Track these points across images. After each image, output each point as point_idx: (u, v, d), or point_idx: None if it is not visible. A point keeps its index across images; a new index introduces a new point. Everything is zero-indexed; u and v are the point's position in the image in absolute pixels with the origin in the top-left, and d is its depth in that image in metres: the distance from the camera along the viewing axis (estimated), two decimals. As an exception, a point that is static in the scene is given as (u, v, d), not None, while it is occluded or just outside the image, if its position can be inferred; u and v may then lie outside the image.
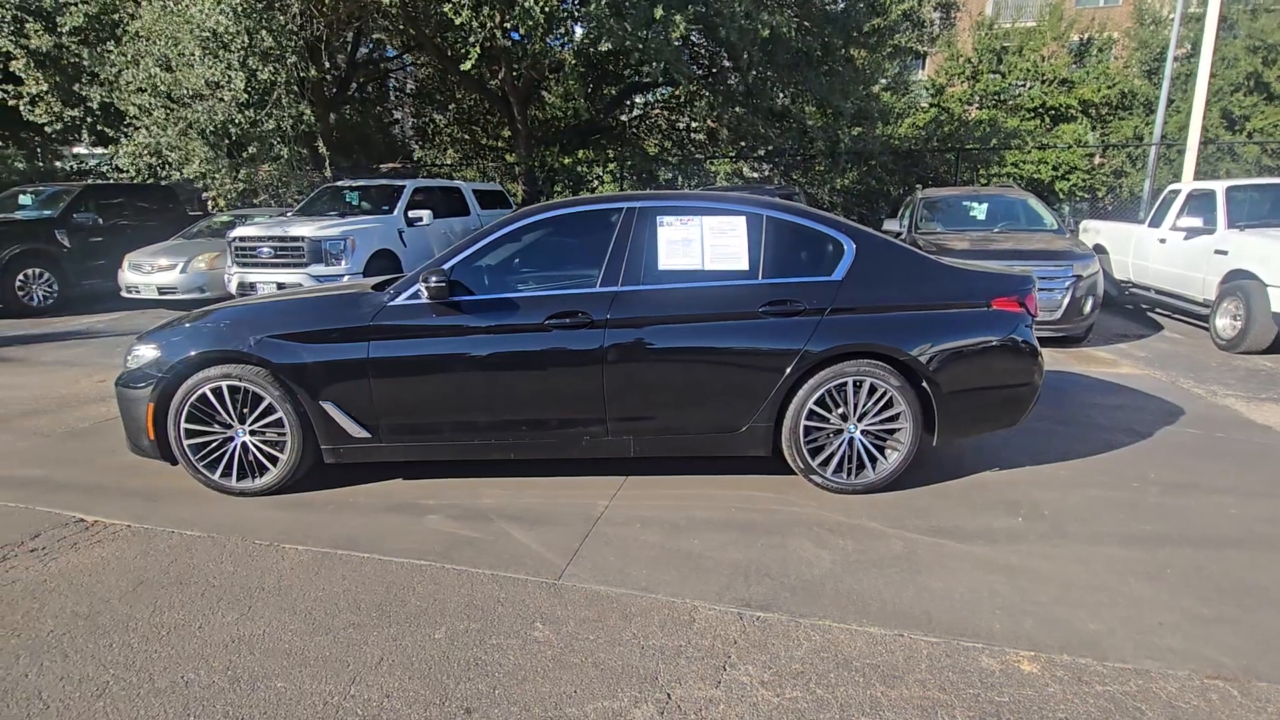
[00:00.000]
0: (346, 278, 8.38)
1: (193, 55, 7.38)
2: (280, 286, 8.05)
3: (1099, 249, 10.12)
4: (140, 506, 3.28)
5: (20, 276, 9.28)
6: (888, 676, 2.09)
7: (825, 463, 3.37)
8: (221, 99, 7.76)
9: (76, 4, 8.35)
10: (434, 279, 3.15)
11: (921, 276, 3.43)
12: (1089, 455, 3.93)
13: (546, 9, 7.15)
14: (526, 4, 6.85)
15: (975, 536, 2.98)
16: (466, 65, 7.91)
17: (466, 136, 16.29)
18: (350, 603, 2.48)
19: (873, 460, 3.37)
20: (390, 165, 15.80)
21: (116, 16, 8.40)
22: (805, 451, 3.34)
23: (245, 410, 3.29)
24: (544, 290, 3.36)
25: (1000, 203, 8.96)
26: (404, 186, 9.90)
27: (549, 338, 3.23)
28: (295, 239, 8.29)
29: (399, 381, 3.27)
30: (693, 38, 8.10)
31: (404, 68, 15.76)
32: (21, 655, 2.20)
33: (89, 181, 11.71)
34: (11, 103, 9.42)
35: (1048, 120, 16.99)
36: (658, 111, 14.30)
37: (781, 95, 10.36)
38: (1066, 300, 6.89)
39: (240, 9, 6.98)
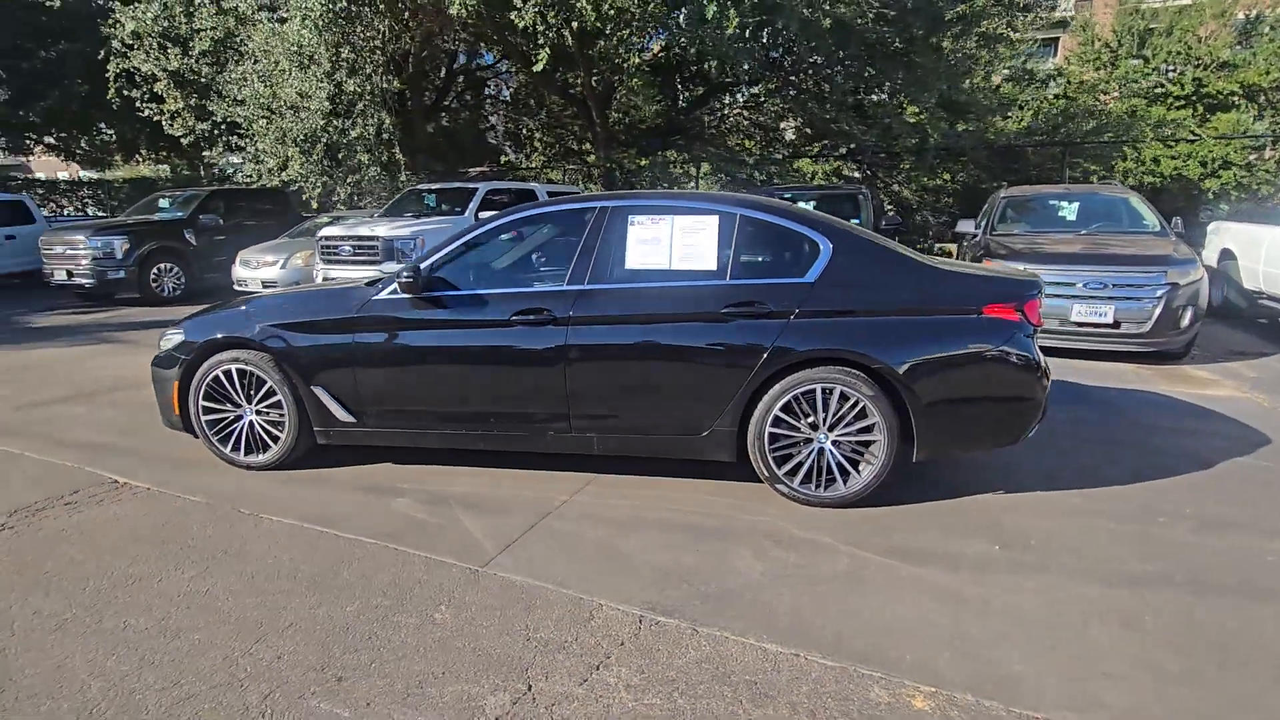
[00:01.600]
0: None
1: (286, 70, 8.18)
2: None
3: (1226, 254, 8.94)
4: (166, 473, 3.68)
5: (154, 270, 10.61)
6: (760, 695, 1.99)
7: (792, 472, 3.23)
8: (309, 109, 8.53)
9: (206, 30, 9.44)
10: (405, 275, 3.33)
11: (904, 279, 3.21)
12: (1121, 483, 3.51)
13: (611, 10, 7.29)
14: (581, 5, 7.00)
15: (937, 561, 2.76)
16: (537, 67, 8.22)
17: (553, 140, 16.82)
18: (290, 572, 2.68)
19: (844, 473, 3.19)
20: (479, 169, 16.60)
21: (238, 39, 9.43)
22: (771, 459, 3.22)
23: (252, 392, 3.62)
24: (514, 287, 3.45)
25: (1095, 202, 8.13)
26: (477, 189, 10.41)
27: (515, 334, 3.32)
28: (371, 238, 8.93)
29: (380, 370, 3.48)
30: (754, 32, 7.91)
31: (499, 75, 16.49)
32: (16, 589, 2.56)
33: (214, 187, 13.17)
34: (156, 118, 10.80)
35: (1200, 109, 15.01)
36: (738, 112, 14.10)
37: (858, 90, 9.90)
38: (1158, 311, 6.15)
39: (321, 25, 7.65)
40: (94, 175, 23.17)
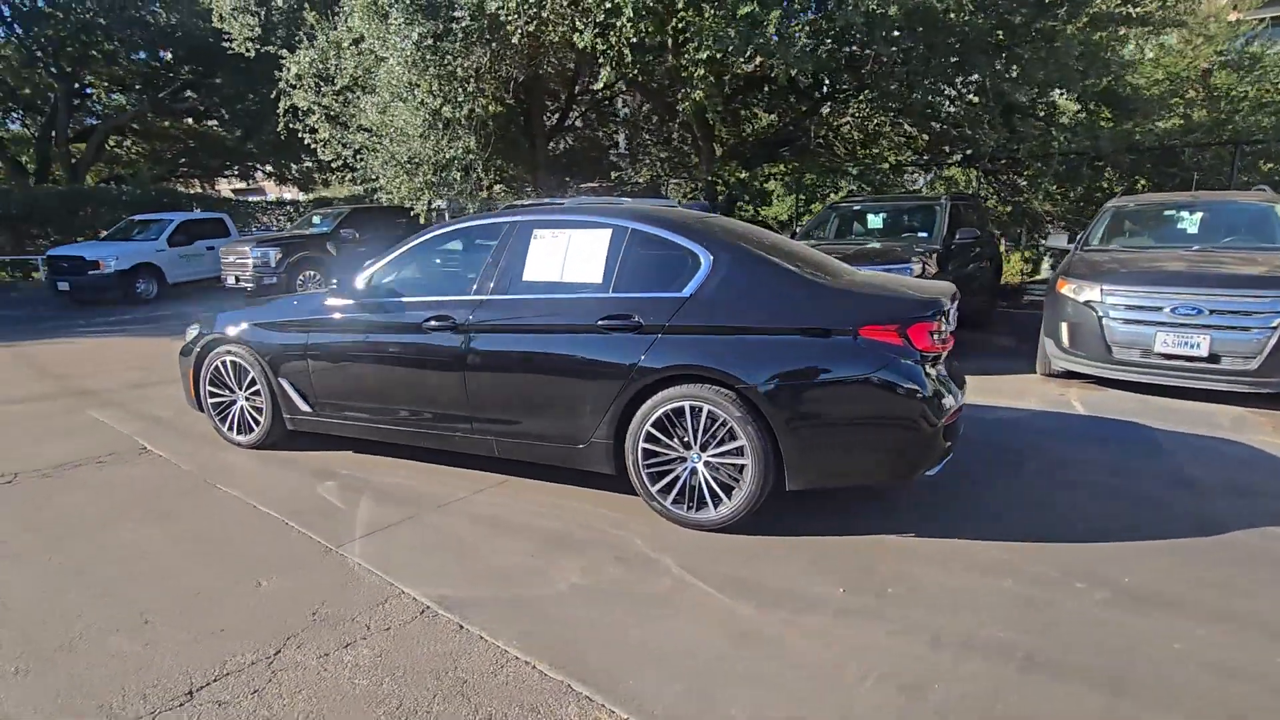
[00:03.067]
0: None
1: (389, 101, 9.27)
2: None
3: None
4: (182, 444, 4.42)
5: (300, 276, 12.40)
6: (460, 692, 2.06)
7: (666, 490, 3.17)
8: (409, 135, 9.57)
9: (347, 69, 10.94)
10: (339, 282, 3.74)
11: (782, 296, 3.04)
12: (1072, 541, 3.02)
13: (650, 28, 7.44)
14: (623, 25, 7.20)
15: (765, 596, 2.60)
16: (598, 85, 8.52)
17: (669, 155, 17.16)
18: (196, 533, 3.15)
19: (715, 497, 3.08)
20: (590, 185, 17.35)
21: (371, 76, 10.81)
22: (645, 475, 3.19)
23: (241, 381, 4.24)
24: (434, 295, 3.72)
25: (1229, 212, 6.83)
26: (550, 203, 10.97)
27: (427, 338, 3.60)
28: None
29: (326, 367, 3.92)
30: (812, 33, 7.57)
31: (617, 95, 17.15)
32: (16, 530, 3.25)
33: (354, 205, 15.06)
34: (311, 145, 12.69)
35: None
36: (846, 121, 13.46)
37: (954, 89, 9.04)
38: (1271, 343, 5.08)
39: (412, 63, 8.58)
40: (305, 196, 27.20)
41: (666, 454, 3.15)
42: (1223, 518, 3.25)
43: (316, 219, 13.76)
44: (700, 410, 3.03)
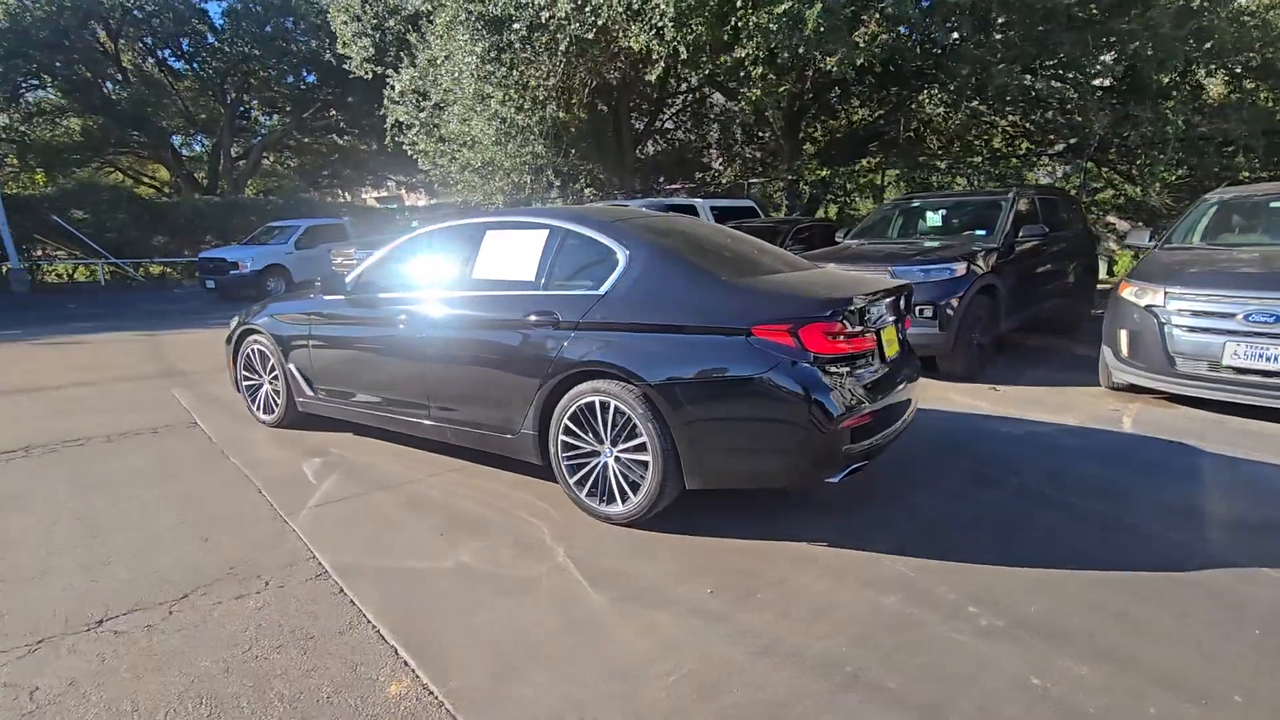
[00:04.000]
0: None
1: (464, 111, 9.92)
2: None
3: None
4: (223, 421, 5.07)
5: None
6: (278, 643, 2.30)
7: (581, 482, 3.27)
8: (481, 143, 10.19)
9: (442, 84, 11.86)
10: (324, 281, 4.15)
11: (684, 295, 3.04)
12: (997, 564, 2.80)
13: (699, 26, 7.44)
14: (663, 25, 7.25)
15: (626, 589, 2.65)
16: (650, 77, 8.65)
17: (752, 155, 16.93)
18: (188, 494, 3.65)
19: (623, 493, 3.14)
20: (673, 186, 17.42)
21: (456, 88, 11.67)
22: (564, 467, 3.31)
23: (265, 367, 4.81)
24: (400, 292, 4.02)
25: (1355, 205, 5.76)
26: (626, 206, 11.21)
27: (395, 331, 3.92)
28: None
29: (322, 355, 4.36)
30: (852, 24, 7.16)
31: (704, 98, 17.13)
32: (57, 484, 3.93)
33: (458, 210, 16.17)
34: (413, 156, 13.83)
35: None
36: (939, 114, 12.59)
37: (1046, 73, 8.19)
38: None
39: (479, 74, 9.14)
40: (428, 202, 29.38)
41: (583, 447, 3.24)
42: (1208, 554, 2.86)
43: (415, 224, 14.93)
44: (609, 406, 3.10)
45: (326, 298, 4.36)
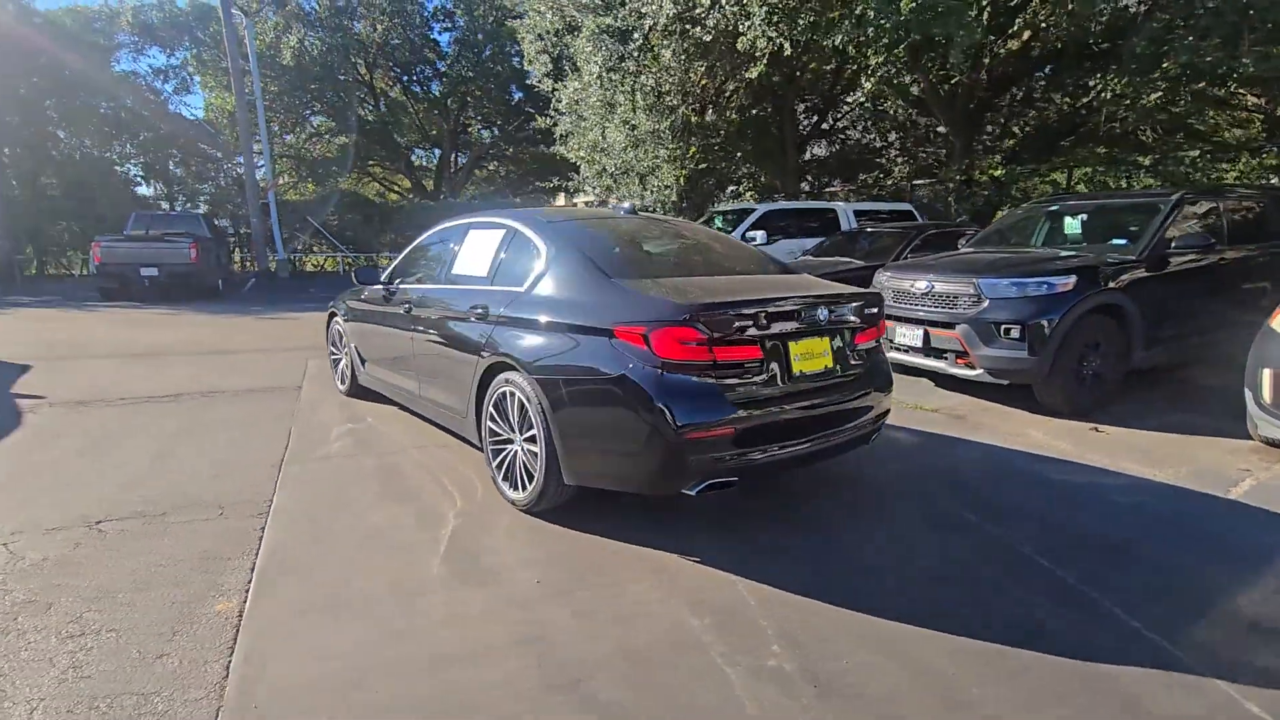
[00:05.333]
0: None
1: (596, 119, 10.45)
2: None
3: None
4: (319, 390, 6.04)
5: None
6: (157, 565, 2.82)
7: (500, 466, 3.48)
8: (613, 149, 10.65)
9: (591, 97, 12.72)
10: (366, 271, 4.82)
11: (577, 293, 3.12)
12: (868, 614, 2.51)
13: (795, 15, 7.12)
14: (759, 14, 7.00)
15: (461, 567, 2.82)
16: (752, 74, 8.42)
17: (934, 154, 15.51)
18: (245, 441, 4.50)
19: (525, 482, 3.29)
20: (831, 189, 16.50)
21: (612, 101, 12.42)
22: (489, 451, 3.55)
23: (340, 342, 5.68)
24: (408, 284, 4.52)
25: None
26: (754, 210, 11.02)
27: (403, 319, 4.44)
28: (639, 253, 10.64)
29: (364, 336, 5.07)
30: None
31: (877, 99, 16.06)
32: (136, 428, 5.05)
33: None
34: (575, 162, 14.95)
35: None
36: (1152, 101, 10.42)
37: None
38: None
39: (603, 83, 9.58)
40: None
41: (501, 434, 3.45)
42: (1141, 647, 2.27)
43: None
44: (515, 397, 3.28)
45: (370, 286, 5.05)
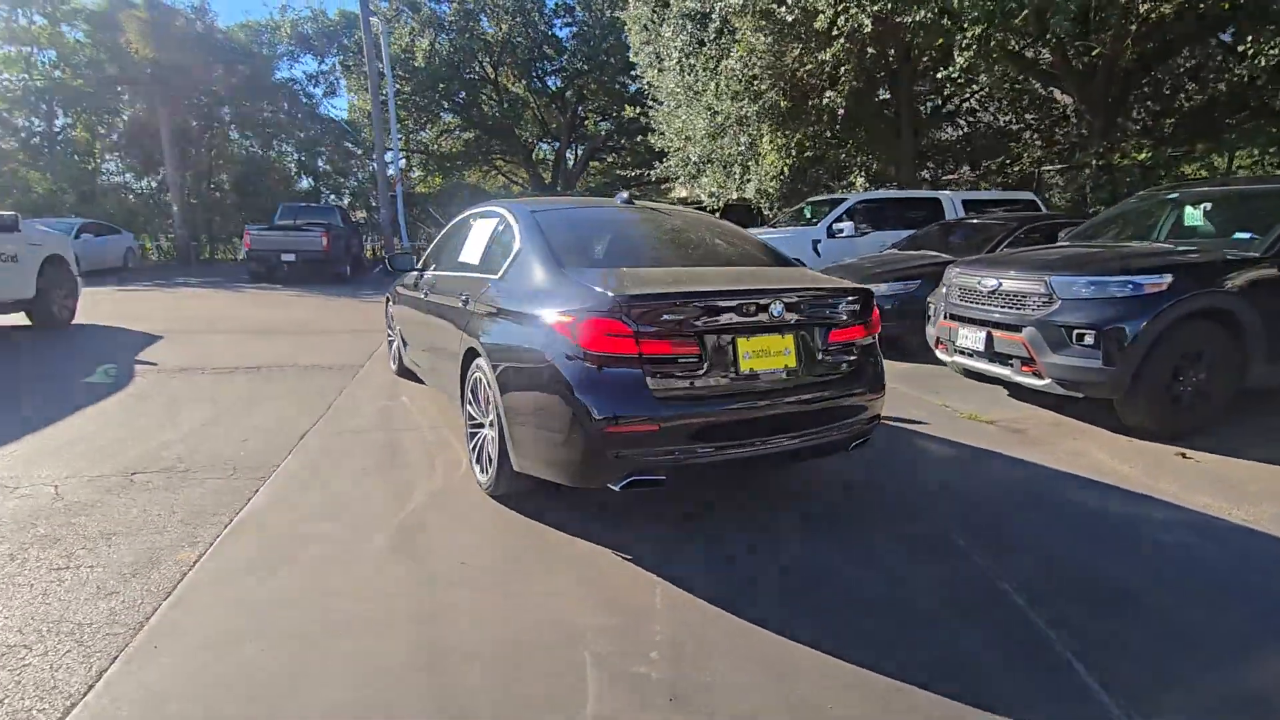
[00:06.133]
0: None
1: (676, 107, 10.28)
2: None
3: None
4: (377, 368, 6.49)
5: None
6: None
7: (474, 449, 3.57)
8: (694, 137, 10.43)
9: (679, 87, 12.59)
10: (389, 260, 5.09)
11: (532, 281, 3.14)
12: (784, 637, 2.34)
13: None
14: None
15: (412, 543, 2.93)
16: (826, 55, 7.91)
17: (1062, 136, 13.87)
18: (294, 412, 4.94)
19: (486, 466, 3.35)
20: (950, 176, 15.15)
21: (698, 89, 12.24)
22: (466, 433, 3.67)
23: (391, 326, 6.05)
24: (428, 271, 4.72)
25: None
26: (844, 200, 10.43)
27: (422, 303, 4.65)
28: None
29: (403, 320, 5.36)
30: None
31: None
32: (242, 388, 5.63)
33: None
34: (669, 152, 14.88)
35: None
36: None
37: None
38: None
39: (683, 67, 9.39)
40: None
41: (476, 418, 3.53)
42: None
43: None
44: (483, 382, 3.34)
45: (413, 271, 5.34)
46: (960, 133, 16.48)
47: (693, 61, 9.43)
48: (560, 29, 25.84)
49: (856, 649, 2.19)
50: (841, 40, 7.64)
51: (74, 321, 8.82)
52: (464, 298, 3.66)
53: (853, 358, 3.12)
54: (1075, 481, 3.78)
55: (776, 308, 2.83)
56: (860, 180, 15.62)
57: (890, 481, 3.73)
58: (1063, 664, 2.14)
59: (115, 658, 2.11)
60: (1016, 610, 2.45)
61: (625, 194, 3.99)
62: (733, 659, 2.14)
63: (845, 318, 3.06)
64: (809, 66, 10.11)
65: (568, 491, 3.15)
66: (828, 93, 9.57)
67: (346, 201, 24.13)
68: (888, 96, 15.15)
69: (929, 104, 16.66)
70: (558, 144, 28.66)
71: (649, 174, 17.03)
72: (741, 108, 9.82)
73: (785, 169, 11.94)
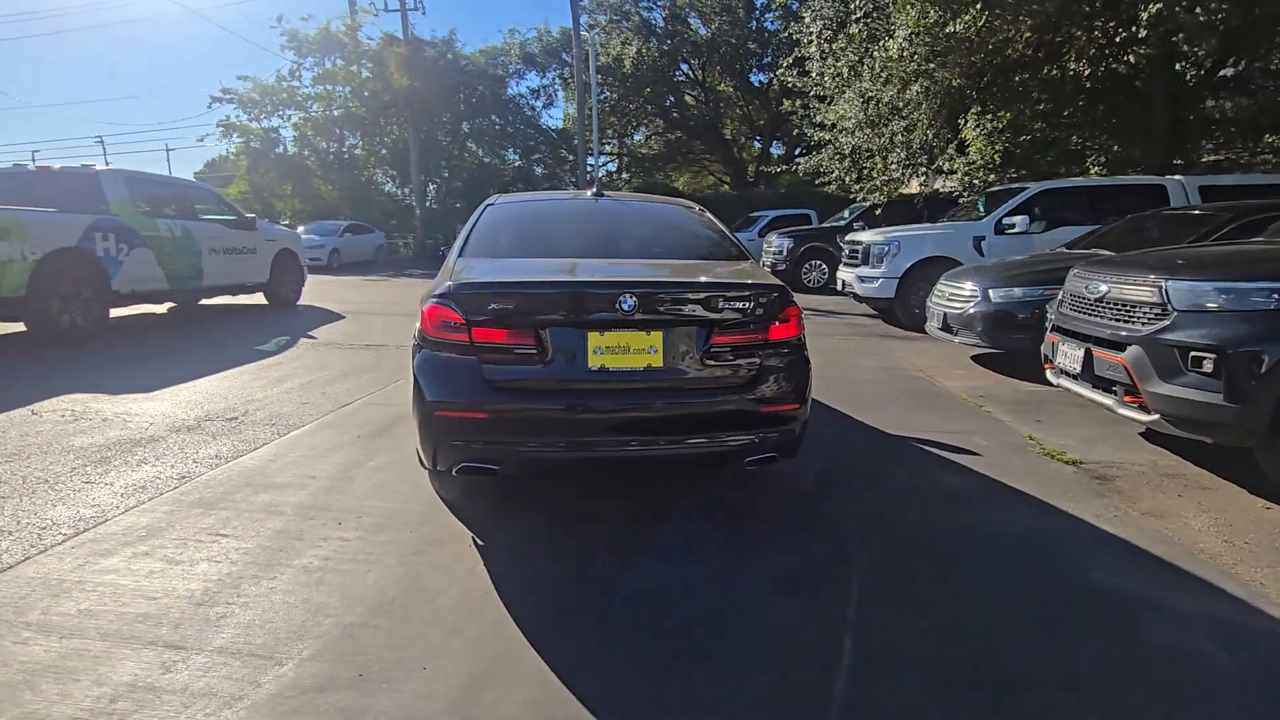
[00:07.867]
0: (880, 281, 9.11)
1: (832, 96, 9.40)
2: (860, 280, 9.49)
3: None
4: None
5: (805, 265, 13.99)
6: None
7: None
8: (846, 127, 9.48)
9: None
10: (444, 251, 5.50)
11: (442, 268, 3.21)
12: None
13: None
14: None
15: (330, 513, 3.22)
16: (955, 28, 6.64)
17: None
18: (350, 386, 5.67)
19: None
20: (1210, 159, 11.77)
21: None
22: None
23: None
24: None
25: None
26: (1024, 189, 8.91)
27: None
28: (856, 243, 9.51)
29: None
30: None
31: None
32: (343, 361, 6.55)
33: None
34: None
35: None
36: None
37: None
38: None
39: (834, 52, 8.58)
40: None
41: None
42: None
43: (846, 213, 14.90)
44: (421, 365, 3.55)
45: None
46: (1237, 105, 12.86)
47: (838, 45, 8.63)
48: (771, 23, 25.41)
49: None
50: (975, 7, 6.47)
51: (299, 303, 11.00)
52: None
53: (752, 361, 2.72)
54: (1127, 551, 2.86)
55: (626, 301, 2.59)
56: (1096, 168, 13.10)
57: (869, 529, 3.13)
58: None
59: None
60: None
61: (595, 187, 3.93)
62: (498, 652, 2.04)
63: (738, 317, 2.69)
64: (1026, 34, 8.62)
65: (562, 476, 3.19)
66: (1060, 62, 8.04)
67: (558, 204, 26.48)
68: (1134, 65, 12.45)
69: (1200, 68, 13.32)
70: (759, 141, 28.26)
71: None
72: (900, 93, 8.75)
73: (995, 157, 10.36)
